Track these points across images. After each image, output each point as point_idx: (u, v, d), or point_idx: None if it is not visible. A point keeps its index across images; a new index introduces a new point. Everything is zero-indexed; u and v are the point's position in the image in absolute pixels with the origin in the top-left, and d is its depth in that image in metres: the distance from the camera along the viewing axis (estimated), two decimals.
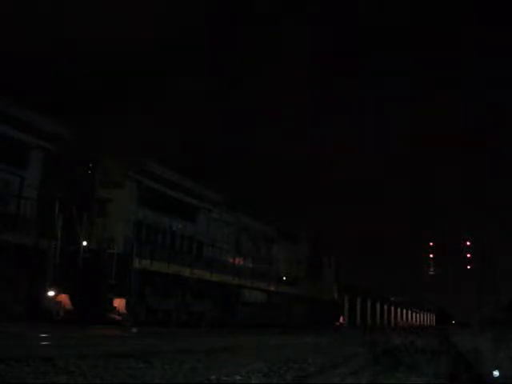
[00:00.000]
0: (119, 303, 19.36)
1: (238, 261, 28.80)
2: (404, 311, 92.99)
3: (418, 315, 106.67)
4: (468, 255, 59.96)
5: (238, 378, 6.75)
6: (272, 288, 32.41)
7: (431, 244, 60.63)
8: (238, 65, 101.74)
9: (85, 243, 18.89)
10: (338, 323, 45.16)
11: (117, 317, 19.19)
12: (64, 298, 18.16)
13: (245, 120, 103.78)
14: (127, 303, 19.46)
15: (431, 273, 61.83)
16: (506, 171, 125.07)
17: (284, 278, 34.44)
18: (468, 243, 59.42)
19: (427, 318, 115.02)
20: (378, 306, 73.13)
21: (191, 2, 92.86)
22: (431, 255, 61.41)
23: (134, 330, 16.79)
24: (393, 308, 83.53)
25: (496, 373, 8.19)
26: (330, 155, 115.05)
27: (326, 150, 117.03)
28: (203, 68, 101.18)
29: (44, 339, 11.01)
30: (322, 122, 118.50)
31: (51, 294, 17.47)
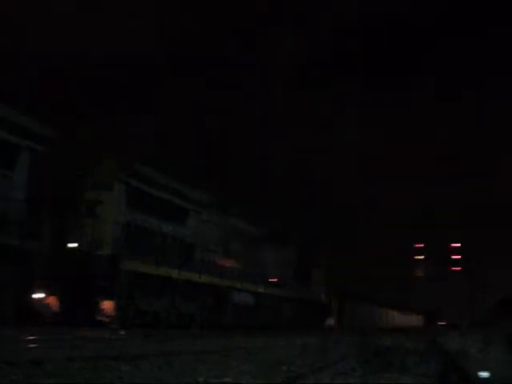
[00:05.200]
0: (108, 305, 19.26)
1: (227, 263, 28.77)
2: (393, 312, 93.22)
3: (407, 316, 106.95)
4: (457, 257, 60.28)
5: (227, 379, 6.74)
6: (261, 289, 32.41)
7: (420, 246, 60.87)
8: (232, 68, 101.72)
9: (73, 245, 18.80)
10: (327, 324, 45.21)
11: (105, 319, 19.10)
12: (52, 300, 18.06)
13: (234, 121, 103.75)
14: (116, 305, 19.38)
15: (420, 274, 62.07)
16: (490, 172, 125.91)
17: (273, 280, 34.44)
18: (457, 245, 59.75)
19: (416, 319, 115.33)
20: (367, 307, 73.24)
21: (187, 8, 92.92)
22: (420, 257, 61.64)
23: (123, 332, 16.71)
24: (382, 309, 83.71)
25: (484, 373, 8.24)
26: (318, 158, 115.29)
27: (314, 152, 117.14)
28: (195, 68, 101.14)
29: (32, 342, 10.94)
30: (315, 123, 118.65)
31: (39, 296, 17.38)
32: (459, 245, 60.16)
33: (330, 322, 48.98)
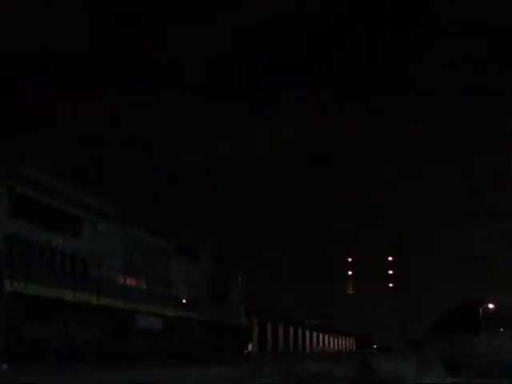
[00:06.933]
0: None
1: (130, 282, 28.42)
2: (320, 335, 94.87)
3: (335, 339, 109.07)
4: (390, 272, 61.73)
5: None
6: (170, 312, 32.21)
7: (349, 260, 61.80)
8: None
9: None
10: (246, 351, 45.36)
11: None
12: None
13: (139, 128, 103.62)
14: None
15: (349, 292, 63.11)
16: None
17: (183, 301, 34.30)
18: (390, 258, 61.21)
19: (346, 343, 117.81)
20: (291, 330, 74.20)
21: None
22: (350, 272, 62.66)
23: (5, 366, 16.27)
24: (308, 332, 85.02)
25: None
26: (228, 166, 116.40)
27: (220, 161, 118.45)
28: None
29: None
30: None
31: None
32: (392, 258, 61.70)
33: (250, 347, 49.22)
